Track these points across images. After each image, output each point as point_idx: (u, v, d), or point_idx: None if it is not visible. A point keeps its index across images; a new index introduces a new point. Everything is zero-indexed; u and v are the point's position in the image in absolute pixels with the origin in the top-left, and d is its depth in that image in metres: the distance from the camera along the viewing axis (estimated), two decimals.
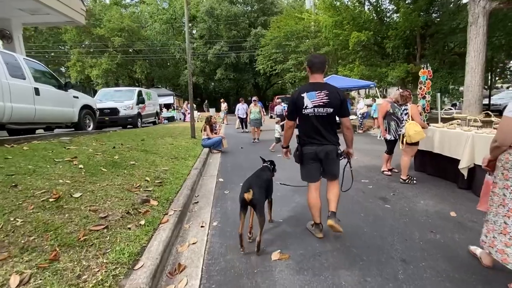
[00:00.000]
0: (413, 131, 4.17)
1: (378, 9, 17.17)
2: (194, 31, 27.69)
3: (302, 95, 2.41)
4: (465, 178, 3.99)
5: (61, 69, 33.80)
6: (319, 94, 2.39)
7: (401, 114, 4.58)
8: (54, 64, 32.93)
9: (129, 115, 11.66)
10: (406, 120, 4.38)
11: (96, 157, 4.17)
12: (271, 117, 21.15)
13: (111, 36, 26.47)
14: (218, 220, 3.07)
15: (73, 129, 7.18)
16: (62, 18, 9.11)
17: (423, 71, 8.52)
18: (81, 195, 2.72)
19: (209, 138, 7.23)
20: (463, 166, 3.95)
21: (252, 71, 27.94)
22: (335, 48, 18.39)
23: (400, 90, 5.05)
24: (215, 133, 8.62)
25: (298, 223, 2.98)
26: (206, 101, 21.01)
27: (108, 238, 2.11)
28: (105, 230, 2.21)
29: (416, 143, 4.35)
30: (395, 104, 5.02)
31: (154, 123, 15.83)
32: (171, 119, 19.57)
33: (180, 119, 18.33)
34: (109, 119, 11.27)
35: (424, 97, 8.41)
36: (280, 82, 38.31)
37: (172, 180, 3.88)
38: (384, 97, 13.83)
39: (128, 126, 11.93)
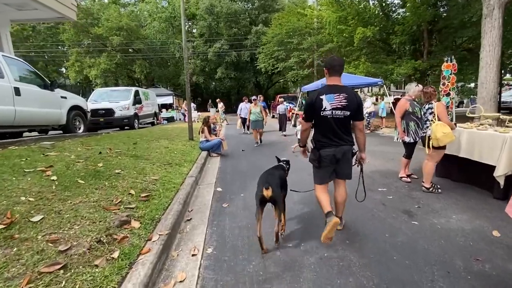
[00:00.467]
0: (441, 133, 3.61)
1: (384, 3, 16.54)
2: (194, 30, 27.15)
3: (321, 97, 2.41)
4: (502, 187, 3.44)
5: (61, 69, 33.41)
6: (337, 96, 2.39)
7: (424, 113, 4.01)
8: (54, 64, 32.55)
9: (125, 116, 11.15)
10: (432, 121, 3.82)
11: (76, 166, 3.65)
12: (273, 116, 20.61)
13: (110, 35, 25.99)
14: (213, 245, 2.54)
15: (61, 131, 6.67)
16: (52, 13, 8.59)
17: (447, 65, 7.83)
18: (42, 219, 2.20)
19: (207, 141, 6.70)
20: (500, 173, 3.39)
21: (253, 70, 27.37)
22: (339, 45, 17.79)
23: (419, 86, 4.48)
24: (215, 135, 8.10)
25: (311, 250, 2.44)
26: (209, 101, 20.37)
27: (62, 285, 1.58)
28: (61, 272, 1.68)
29: (443, 147, 3.79)
30: (415, 102, 4.47)
31: (152, 124, 15.33)
32: (170, 119, 19.08)
33: (180, 119, 17.80)
34: (104, 121, 10.77)
35: (448, 94, 7.72)
36: (282, 80, 37.76)
37: (161, 192, 3.35)
38: (389, 95, 13.27)
39: (126, 128, 11.43)
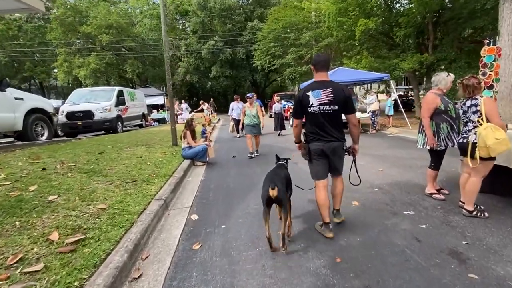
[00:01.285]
0: (494, 140, 2.62)
1: None
2: (187, 26, 26.00)
3: (307, 93, 2.42)
4: None
5: (50, 71, 32.24)
6: (324, 92, 2.38)
7: (465, 112, 3.02)
8: (43, 65, 31.39)
9: (106, 119, 10.12)
10: (478, 122, 2.83)
11: None
12: (270, 116, 19.63)
13: (99, 33, 24.87)
14: None
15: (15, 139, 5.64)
16: (14, 4, 7.49)
17: (489, 49, 6.32)
18: None
19: (190, 147, 5.70)
20: None
21: (249, 68, 26.31)
22: (339, 39, 16.79)
23: (451, 76, 3.47)
24: (205, 138, 7.10)
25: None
26: (212, 99, 19.15)
27: None
28: None
29: (494, 158, 2.80)
30: (446, 98, 3.47)
31: (140, 126, 14.31)
32: (162, 121, 18.02)
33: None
34: (82, 124, 9.74)
35: (490, 87, 6.42)
36: (279, 79, 36.76)
37: (104, 231, 2.35)
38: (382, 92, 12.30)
39: (109, 132, 10.40)
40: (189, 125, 5.79)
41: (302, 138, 2.68)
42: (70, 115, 9.73)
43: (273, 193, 2.18)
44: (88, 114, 9.81)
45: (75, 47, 27.17)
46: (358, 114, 10.22)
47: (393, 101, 10.65)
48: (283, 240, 2.25)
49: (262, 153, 6.68)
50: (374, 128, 9.98)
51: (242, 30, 25.06)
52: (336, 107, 2.39)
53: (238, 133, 10.31)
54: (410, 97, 21.63)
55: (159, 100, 19.03)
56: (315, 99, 2.39)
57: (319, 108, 2.39)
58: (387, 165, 5.19)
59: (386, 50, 17.12)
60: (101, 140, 6.87)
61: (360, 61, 14.62)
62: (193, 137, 5.82)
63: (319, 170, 2.57)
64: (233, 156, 6.61)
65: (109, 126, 10.17)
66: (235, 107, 10.17)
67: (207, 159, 5.83)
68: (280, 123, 10.31)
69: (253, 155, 6.35)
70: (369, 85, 22.76)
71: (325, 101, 2.37)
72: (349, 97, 2.44)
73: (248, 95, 8.23)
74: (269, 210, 2.27)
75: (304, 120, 2.58)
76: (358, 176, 2.84)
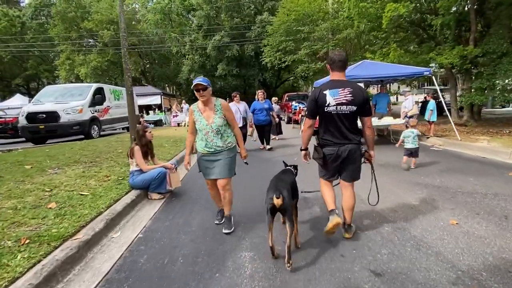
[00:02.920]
0: None
1: None
2: (192, 22, 24.17)
3: (324, 92, 2.28)
4: None
5: (54, 69, 31.38)
6: (342, 91, 2.25)
7: None
8: (47, 63, 30.56)
9: (75, 122, 8.32)
10: None
11: None
12: (280, 118, 17.51)
13: (100, 29, 23.55)
14: None
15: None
16: None
17: None
18: None
19: (140, 171, 3.69)
20: None
21: (258, 66, 24.21)
22: (361, 31, 14.47)
23: None
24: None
25: None
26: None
27: None
28: None
29: None
30: None
31: (128, 129, 12.52)
32: (159, 123, 16.25)
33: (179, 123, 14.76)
34: (44, 128, 7.98)
35: None
36: (291, 78, 34.49)
37: None
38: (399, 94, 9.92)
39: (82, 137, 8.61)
40: (140, 136, 3.76)
41: (315, 142, 2.49)
42: (32, 117, 8.01)
43: (277, 202, 2.03)
44: (53, 115, 8.04)
45: (77, 44, 26.01)
46: (379, 121, 7.99)
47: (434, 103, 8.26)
48: (288, 254, 2.00)
49: (251, 171, 4.57)
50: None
51: (251, 24, 23.01)
52: (354, 108, 2.25)
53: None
54: (439, 100, 18.88)
55: (155, 100, 17.24)
56: (332, 98, 2.24)
57: (336, 108, 2.25)
58: (460, 210, 2.99)
59: (416, 44, 14.65)
60: (29, 153, 4.97)
61: (387, 55, 12.25)
62: (146, 155, 3.79)
63: (330, 172, 2.45)
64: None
65: (79, 131, 8.36)
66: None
67: (167, 188, 3.78)
68: (278, 129, 8.54)
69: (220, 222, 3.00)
70: (385, 84, 20.02)
71: (343, 101, 2.23)
72: (367, 98, 2.32)
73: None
74: (273, 219, 2.12)
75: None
76: (377, 192, 2.59)
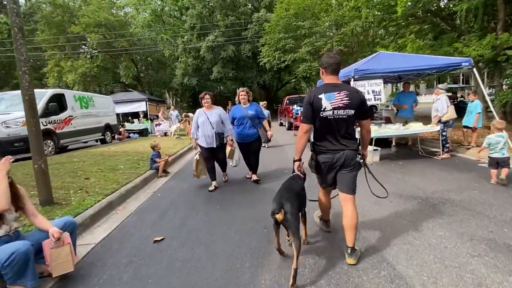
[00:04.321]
0: None
1: None
2: (186, 21, 22.53)
3: (319, 96, 2.16)
4: None
5: (46, 78, 30.10)
6: (338, 95, 2.13)
7: None
8: (36, 71, 29.22)
9: (18, 137, 6.59)
10: None
11: None
12: (280, 124, 15.71)
13: (87, 33, 22.14)
14: None
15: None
16: None
17: None
18: None
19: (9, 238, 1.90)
20: None
21: (256, 67, 22.45)
22: (369, 23, 12.68)
23: None
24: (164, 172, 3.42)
25: None
26: (172, 105, 15.71)
27: None
28: None
29: None
30: None
31: (103, 141, 10.81)
32: (145, 132, 14.53)
33: (158, 133, 12.83)
34: None
35: None
36: (293, 80, 32.71)
37: None
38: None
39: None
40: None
41: (309, 149, 2.38)
42: None
43: (279, 217, 1.97)
44: None
45: (65, 50, 24.64)
46: (405, 128, 6.18)
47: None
48: (293, 278, 1.88)
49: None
50: (447, 149, 5.78)
51: (248, 23, 21.32)
52: (352, 111, 2.15)
53: (250, 169, 4.97)
54: (461, 98, 16.88)
55: (140, 106, 15.55)
56: (328, 102, 2.13)
57: (333, 112, 2.14)
58: None
59: (432, 36, 12.76)
60: None
61: (403, 48, 10.44)
62: (14, 201, 2.00)
63: (325, 179, 2.36)
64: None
65: (23, 148, 6.60)
66: (202, 119, 4.57)
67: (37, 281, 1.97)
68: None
69: None
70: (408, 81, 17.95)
71: (340, 104, 2.12)
72: (364, 101, 2.21)
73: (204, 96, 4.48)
74: (279, 228, 2.10)
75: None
76: (383, 187, 2.52)
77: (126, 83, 27.73)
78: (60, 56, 24.16)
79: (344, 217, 2.21)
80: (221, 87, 34.52)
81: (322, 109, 2.12)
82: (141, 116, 15.59)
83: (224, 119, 4.39)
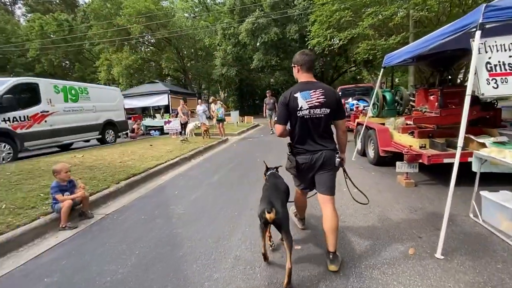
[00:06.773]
0: None
1: None
2: (224, 2, 20.21)
3: (295, 95, 2.10)
4: None
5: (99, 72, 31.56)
6: (314, 93, 2.09)
7: None
8: (91, 65, 30.71)
9: None
10: None
11: None
12: None
13: (130, 24, 21.63)
14: None
15: None
16: None
17: None
18: None
19: None
20: None
21: None
22: None
23: None
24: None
25: None
26: (201, 96, 13.22)
27: None
28: None
29: None
30: None
31: (102, 141, 9.08)
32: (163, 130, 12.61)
33: (175, 132, 10.62)
34: None
35: None
36: (353, 68, 27.84)
37: None
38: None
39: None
40: None
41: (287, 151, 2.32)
42: None
43: (270, 216, 1.92)
44: None
45: (114, 43, 24.84)
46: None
47: None
48: (288, 277, 1.87)
49: None
50: None
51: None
52: (328, 110, 2.10)
53: None
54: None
55: (162, 100, 13.70)
56: (304, 101, 2.08)
57: (309, 112, 2.08)
58: None
59: None
60: None
61: None
62: None
63: (303, 181, 2.33)
64: None
65: None
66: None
67: None
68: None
69: None
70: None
71: (316, 103, 2.07)
72: (340, 100, 2.18)
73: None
74: (268, 229, 2.10)
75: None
76: (363, 193, 2.52)
77: (171, 75, 26.99)
78: (107, 49, 24.40)
79: (324, 220, 2.16)
80: (269, 79, 31.44)
81: (298, 109, 2.07)
82: (162, 110, 13.84)
83: None
